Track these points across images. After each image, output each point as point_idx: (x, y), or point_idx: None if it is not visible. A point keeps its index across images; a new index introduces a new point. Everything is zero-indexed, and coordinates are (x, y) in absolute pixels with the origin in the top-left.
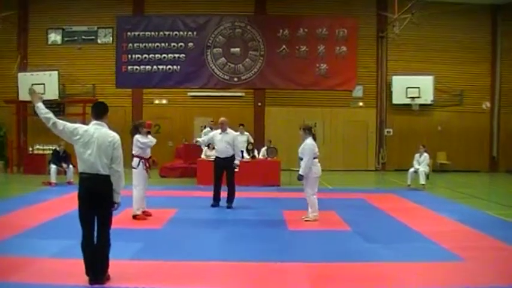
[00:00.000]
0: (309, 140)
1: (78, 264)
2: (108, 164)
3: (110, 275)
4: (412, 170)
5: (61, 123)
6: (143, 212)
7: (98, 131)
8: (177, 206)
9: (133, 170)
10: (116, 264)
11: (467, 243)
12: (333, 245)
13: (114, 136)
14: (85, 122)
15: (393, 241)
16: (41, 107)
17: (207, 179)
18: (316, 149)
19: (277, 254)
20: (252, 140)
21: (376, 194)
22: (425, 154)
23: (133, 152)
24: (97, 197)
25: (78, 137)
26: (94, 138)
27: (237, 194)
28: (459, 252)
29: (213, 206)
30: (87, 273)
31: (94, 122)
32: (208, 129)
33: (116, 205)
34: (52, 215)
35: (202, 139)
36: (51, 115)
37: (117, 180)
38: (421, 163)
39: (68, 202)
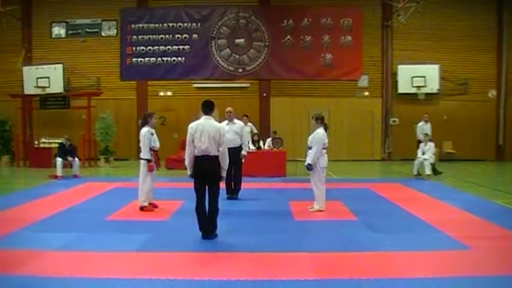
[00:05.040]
0: (320, 130)
1: (85, 256)
2: (216, 148)
3: (217, 234)
4: (418, 159)
5: (190, 149)
6: (150, 204)
7: (207, 123)
8: (183, 197)
9: (142, 161)
10: (122, 256)
11: (473, 232)
12: (339, 235)
13: (220, 126)
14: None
15: (399, 230)
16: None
17: None
18: (326, 140)
19: (283, 245)
20: (255, 131)
21: (382, 184)
22: (430, 143)
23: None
24: (208, 173)
25: (197, 134)
26: (205, 129)
27: (242, 185)
28: (465, 241)
29: (229, 198)
30: (201, 229)
31: (204, 116)
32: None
33: (223, 178)
34: (58, 208)
35: None
36: (188, 162)
37: (223, 159)
38: (426, 152)
39: (75, 195)
